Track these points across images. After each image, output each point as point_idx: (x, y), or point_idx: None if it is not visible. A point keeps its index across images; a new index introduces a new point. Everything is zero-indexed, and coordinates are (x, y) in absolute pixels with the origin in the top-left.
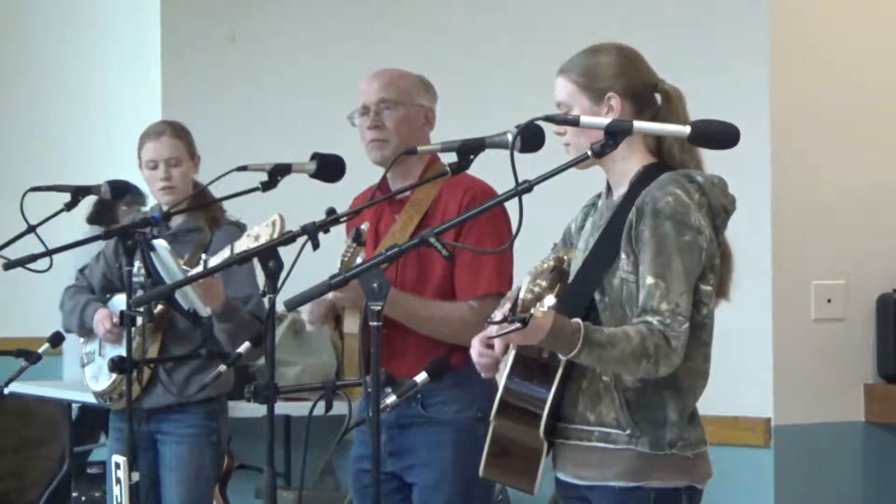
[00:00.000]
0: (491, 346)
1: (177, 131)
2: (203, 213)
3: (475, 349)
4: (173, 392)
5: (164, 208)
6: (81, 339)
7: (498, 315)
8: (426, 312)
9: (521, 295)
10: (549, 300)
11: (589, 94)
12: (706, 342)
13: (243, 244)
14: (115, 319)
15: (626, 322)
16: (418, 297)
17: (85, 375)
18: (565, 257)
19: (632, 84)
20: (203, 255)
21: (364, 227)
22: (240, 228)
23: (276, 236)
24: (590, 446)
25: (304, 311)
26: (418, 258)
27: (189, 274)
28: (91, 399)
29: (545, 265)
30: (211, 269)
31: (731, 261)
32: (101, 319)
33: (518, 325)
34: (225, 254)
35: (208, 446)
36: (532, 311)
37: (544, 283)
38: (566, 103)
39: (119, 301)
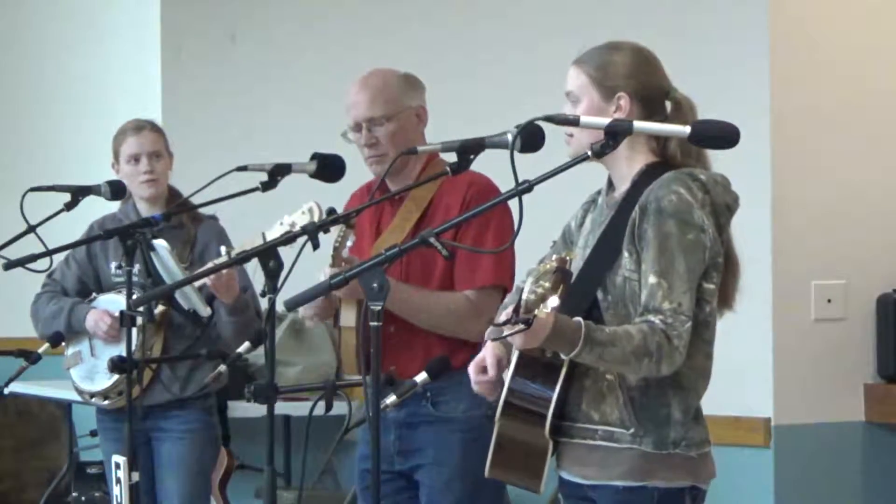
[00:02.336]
0: (484, 371)
1: (155, 127)
2: (184, 210)
3: (472, 378)
4: (172, 390)
5: (142, 204)
6: (63, 343)
7: (502, 317)
8: (422, 302)
9: (525, 296)
10: (553, 301)
11: (600, 89)
12: (708, 340)
13: (277, 232)
14: (116, 314)
15: (629, 321)
16: (414, 287)
17: (73, 377)
18: (567, 258)
19: (643, 87)
20: (223, 248)
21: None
22: (216, 221)
23: (315, 221)
24: (594, 445)
25: (301, 307)
26: (421, 253)
27: (189, 274)
28: (76, 398)
29: (548, 266)
30: (215, 266)
31: (738, 269)
32: (99, 319)
33: (522, 326)
34: (248, 245)
35: (208, 442)
36: (535, 312)
37: (547, 285)
38: (576, 94)
39: (105, 301)
